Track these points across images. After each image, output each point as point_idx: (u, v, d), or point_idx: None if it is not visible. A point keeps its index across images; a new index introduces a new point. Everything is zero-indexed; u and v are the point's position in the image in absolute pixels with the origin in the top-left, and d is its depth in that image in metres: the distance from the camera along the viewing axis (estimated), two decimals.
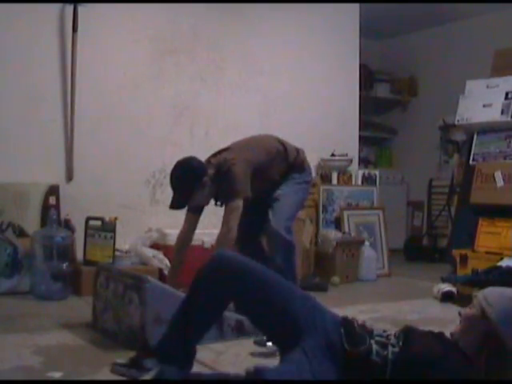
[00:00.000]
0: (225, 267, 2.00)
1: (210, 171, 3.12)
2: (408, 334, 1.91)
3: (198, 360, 2.31)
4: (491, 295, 1.86)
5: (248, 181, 3.14)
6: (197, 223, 3.29)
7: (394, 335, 1.90)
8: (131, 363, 2.17)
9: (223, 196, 3.17)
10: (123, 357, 2.22)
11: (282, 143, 3.45)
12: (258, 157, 3.29)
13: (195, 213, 3.26)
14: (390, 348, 1.84)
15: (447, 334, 1.93)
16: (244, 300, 2.02)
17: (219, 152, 3.29)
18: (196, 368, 2.26)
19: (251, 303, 2.00)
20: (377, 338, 1.88)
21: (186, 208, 3.20)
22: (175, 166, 3.11)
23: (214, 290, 2.00)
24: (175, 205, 3.09)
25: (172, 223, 4.41)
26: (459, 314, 1.91)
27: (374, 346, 1.85)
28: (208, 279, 2.02)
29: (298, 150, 3.47)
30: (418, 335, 1.93)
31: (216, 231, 3.29)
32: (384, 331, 1.95)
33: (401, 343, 1.86)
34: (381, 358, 1.82)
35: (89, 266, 3.66)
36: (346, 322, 1.95)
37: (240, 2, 4.84)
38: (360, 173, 5.31)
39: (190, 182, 3.05)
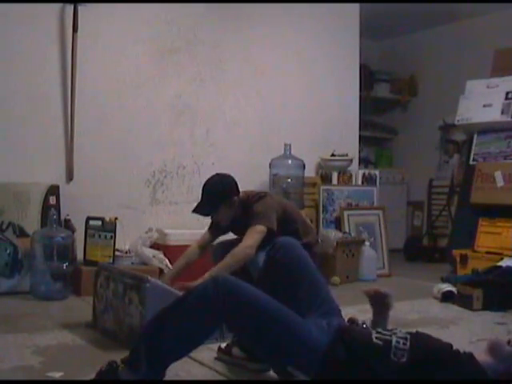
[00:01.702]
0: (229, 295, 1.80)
1: (242, 195, 3.23)
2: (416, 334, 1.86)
3: (198, 360, 2.32)
4: None
5: (274, 215, 3.17)
6: (210, 243, 3.36)
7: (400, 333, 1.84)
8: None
9: (247, 221, 3.13)
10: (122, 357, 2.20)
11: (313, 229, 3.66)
12: (287, 207, 3.41)
13: (213, 233, 3.35)
14: (394, 337, 1.77)
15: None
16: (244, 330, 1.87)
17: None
18: (196, 368, 2.27)
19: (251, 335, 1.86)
20: (378, 330, 1.86)
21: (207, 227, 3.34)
22: (213, 176, 3.21)
23: (210, 315, 1.81)
24: (199, 210, 3.17)
25: (172, 223, 4.44)
26: None
27: (375, 333, 1.82)
28: (207, 302, 1.81)
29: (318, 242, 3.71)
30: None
31: None
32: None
33: (408, 336, 1.79)
34: (383, 341, 1.76)
35: (89, 266, 3.66)
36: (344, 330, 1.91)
37: (240, 2, 4.84)
38: (360, 173, 5.30)
39: (221, 195, 3.12)
